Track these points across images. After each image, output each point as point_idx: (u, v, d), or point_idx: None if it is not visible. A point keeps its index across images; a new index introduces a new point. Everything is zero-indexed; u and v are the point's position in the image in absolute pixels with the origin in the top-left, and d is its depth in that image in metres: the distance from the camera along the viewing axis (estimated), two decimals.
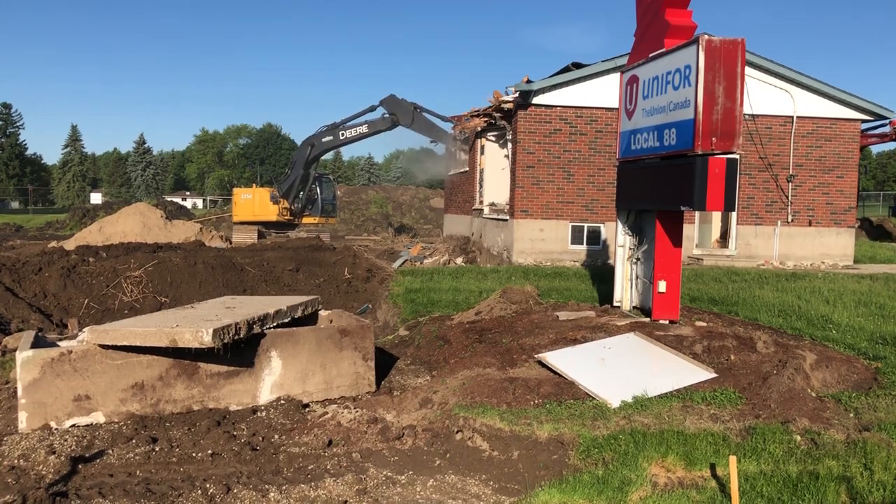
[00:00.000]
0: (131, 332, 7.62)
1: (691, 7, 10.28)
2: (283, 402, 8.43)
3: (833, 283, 14.71)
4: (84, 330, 8.17)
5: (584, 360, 8.76)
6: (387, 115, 27.79)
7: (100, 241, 23.96)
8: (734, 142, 9.14)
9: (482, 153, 23.32)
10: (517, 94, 18.54)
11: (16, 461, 6.68)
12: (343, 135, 28.95)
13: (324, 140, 29.53)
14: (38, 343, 8.22)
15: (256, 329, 8.33)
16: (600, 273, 15.73)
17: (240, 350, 8.22)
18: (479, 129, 22.84)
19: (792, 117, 19.41)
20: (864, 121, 19.89)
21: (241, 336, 7.99)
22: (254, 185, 40.19)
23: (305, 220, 33.30)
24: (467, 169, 25.44)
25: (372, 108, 28.03)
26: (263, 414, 8.15)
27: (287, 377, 8.65)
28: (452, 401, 7.91)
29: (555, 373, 8.53)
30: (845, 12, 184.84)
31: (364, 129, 28.35)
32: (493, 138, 22.56)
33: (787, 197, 19.64)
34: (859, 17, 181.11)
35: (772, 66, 19.00)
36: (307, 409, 8.37)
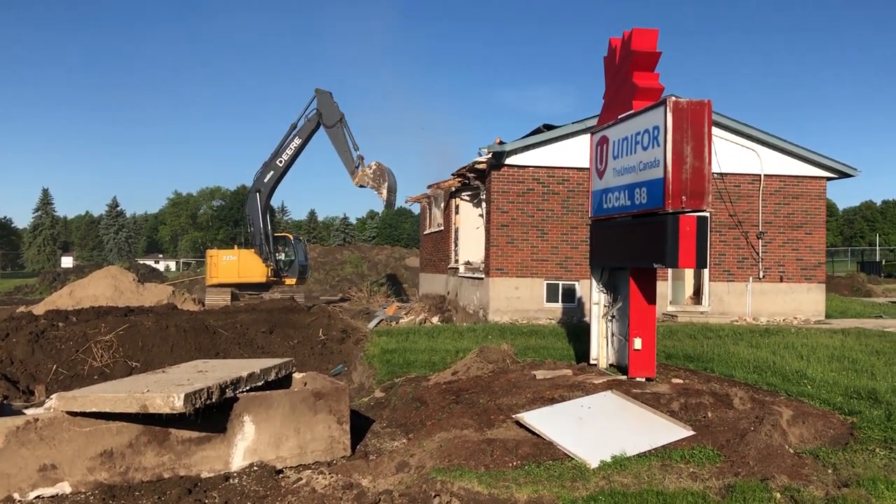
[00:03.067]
0: (100, 398, 7.45)
1: (658, 70, 10.58)
2: (255, 468, 8.24)
3: (806, 338, 14.83)
4: (52, 396, 7.96)
5: (562, 420, 8.69)
6: (312, 115, 27.74)
7: (70, 305, 23.60)
8: (704, 200, 9.29)
9: (457, 212, 23.51)
10: (490, 155, 18.80)
11: None
12: (281, 160, 28.93)
13: (265, 180, 29.42)
14: (2, 411, 7.99)
15: (229, 393, 8.18)
16: (576, 330, 15.74)
17: (212, 415, 8.05)
18: (453, 189, 23.07)
19: (759, 175, 19.86)
20: (829, 178, 20.38)
21: (214, 400, 7.84)
22: (235, 246, 39.97)
23: (288, 281, 33.06)
24: (442, 228, 25.59)
25: (294, 126, 28.35)
26: (236, 481, 7.95)
27: (260, 442, 8.47)
28: (430, 464, 7.78)
29: (533, 433, 8.44)
30: (815, 71, 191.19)
31: (297, 141, 28.44)
32: (468, 198, 22.80)
33: (758, 253, 19.95)
34: (828, 73, 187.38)
35: (738, 126, 19.51)
36: (281, 475, 8.17)
